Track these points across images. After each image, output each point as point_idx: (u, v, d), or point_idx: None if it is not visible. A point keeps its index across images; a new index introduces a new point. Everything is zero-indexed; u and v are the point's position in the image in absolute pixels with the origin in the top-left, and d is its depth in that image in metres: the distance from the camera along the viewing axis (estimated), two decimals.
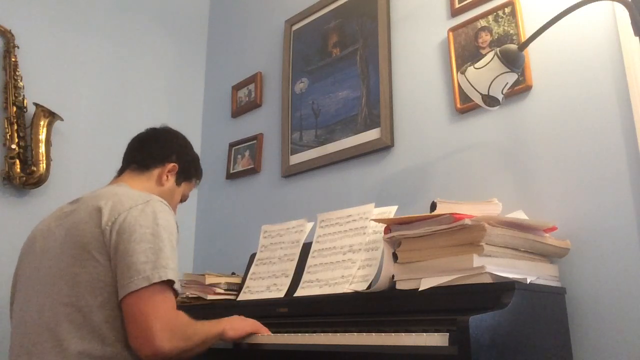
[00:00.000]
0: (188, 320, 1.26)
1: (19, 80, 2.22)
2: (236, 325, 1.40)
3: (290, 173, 2.28)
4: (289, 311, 1.59)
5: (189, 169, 1.60)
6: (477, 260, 1.19)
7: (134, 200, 1.28)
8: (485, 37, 1.74)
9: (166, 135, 1.58)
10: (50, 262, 1.28)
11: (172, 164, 1.53)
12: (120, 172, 1.52)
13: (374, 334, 1.15)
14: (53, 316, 1.21)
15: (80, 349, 1.17)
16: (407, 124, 1.92)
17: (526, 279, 1.22)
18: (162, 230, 1.25)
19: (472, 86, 1.44)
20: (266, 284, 1.77)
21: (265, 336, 1.40)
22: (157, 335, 1.15)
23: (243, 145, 2.58)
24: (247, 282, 1.84)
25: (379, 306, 1.39)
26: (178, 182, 1.56)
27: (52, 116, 2.26)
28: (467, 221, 1.20)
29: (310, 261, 1.68)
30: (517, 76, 1.45)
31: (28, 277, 1.34)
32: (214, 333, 1.33)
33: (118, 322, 1.21)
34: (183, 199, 1.62)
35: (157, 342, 1.14)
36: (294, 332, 1.35)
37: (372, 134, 1.99)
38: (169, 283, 1.21)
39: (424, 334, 1.07)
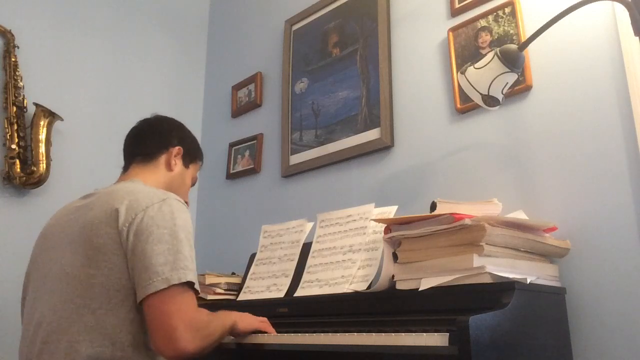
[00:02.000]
0: (208, 318, 1.26)
1: (19, 80, 2.22)
2: (246, 319, 1.42)
3: (290, 173, 2.28)
4: (289, 311, 1.59)
5: (193, 150, 1.59)
6: (477, 260, 1.19)
7: (150, 199, 1.26)
8: (485, 37, 1.74)
9: (161, 122, 1.57)
10: (63, 260, 1.27)
11: (177, 148, 1.52)
12: (126, 167, 1.50)
13: (374, 334, 1.15)
14: (65, 317, 1.20)
15: (90, 352, 1.16)
16: (407, 124, 1.92)
17: (526, 279, 1.22)
18: (180, 230, 1.23)
19: (472, 86, 1.44)
20: (266, 284, 1.77)
21: (265, 336, 1.40)
22: (181, 337, 1.14)
23: (243, 145, 2.58)
24: (247, 282, 1.84)
25: (379, 306, 1.39)
26: (186, 165, 1.55)
27: (52, 116, 2.26)
28: (467, 221, 1.20)
29: (310, 261, 1.68)
30: (517, 76, 1.45)
31: (40, 274, 1.32)
32: (228, 326, 1.34)
33: (132, 326, 1.20)
34: (193, 181, 1.61)
35: (181, 343, 1.14)
36: (294, 332, 1.34)
37: (372, 134, 1.99)
38: (189, 284, 1.20)
39: (424, 334, 1.06)
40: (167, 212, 1.24)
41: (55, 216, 1.42)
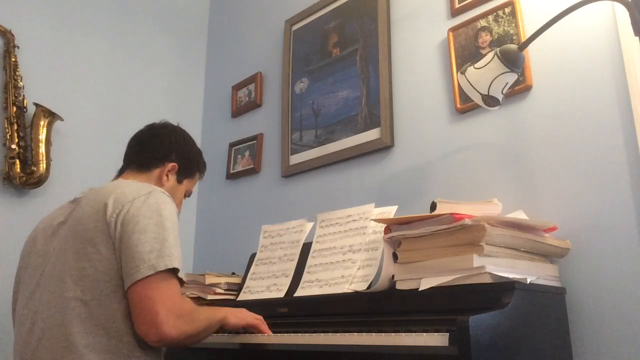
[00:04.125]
0: (193, 306, 1.29)
1: (19, 80, 2.22)
2: (238, 314, 1.42)
3: (290, 173, 2.28)
4: (289, 311, 1.59)
5: (190, 166, 1.59)
6: (477, 260, 1.19)
7: (136, 191, 1.29)
8: (485, 37, 1.74)
9: (165, 133, 1.56)
10: (54, 259, 1.29)
11: (171, 164, 1.53)
12: (121, 171, 1.53)
13: (374, 334, 1.15)
14: (60, 311, 1.21)
15: (86, 342, 1.18)
16: (407, 124, 1.92)
17: (526, 279, 1.22)
18: (166, 220, 1.26)
19: (472, 86, 1.44)
20: (266, 284, 1.77)
21: (265, 336, 1.40)
22: (164, 321, 1.16)
23: (243, 145, 2.58)
24: (247, 282, 1.84)
25: (379, 306, 1.39)
26: (179, 180, 1.56)
27: (52, 116, 2.26)
28: (467, 221, 1.20)
29: (310, 261, 1.68)
30: (517, 76, 1.45)
31: (31, 275, 1.34)
32: (217, 318, 1.34)
33: (124, 315, 1.21)
34: (187, 194, 1.62)
35: (163, 327, 1.15)
36: (294, 332, 1.34)
37: (372, 134, 1.99)
38: (174, 271, 1.22)
39: (424, 334, 1.07)
40: (153, 203, 1.27)
41: (43, 221, 1.45)
